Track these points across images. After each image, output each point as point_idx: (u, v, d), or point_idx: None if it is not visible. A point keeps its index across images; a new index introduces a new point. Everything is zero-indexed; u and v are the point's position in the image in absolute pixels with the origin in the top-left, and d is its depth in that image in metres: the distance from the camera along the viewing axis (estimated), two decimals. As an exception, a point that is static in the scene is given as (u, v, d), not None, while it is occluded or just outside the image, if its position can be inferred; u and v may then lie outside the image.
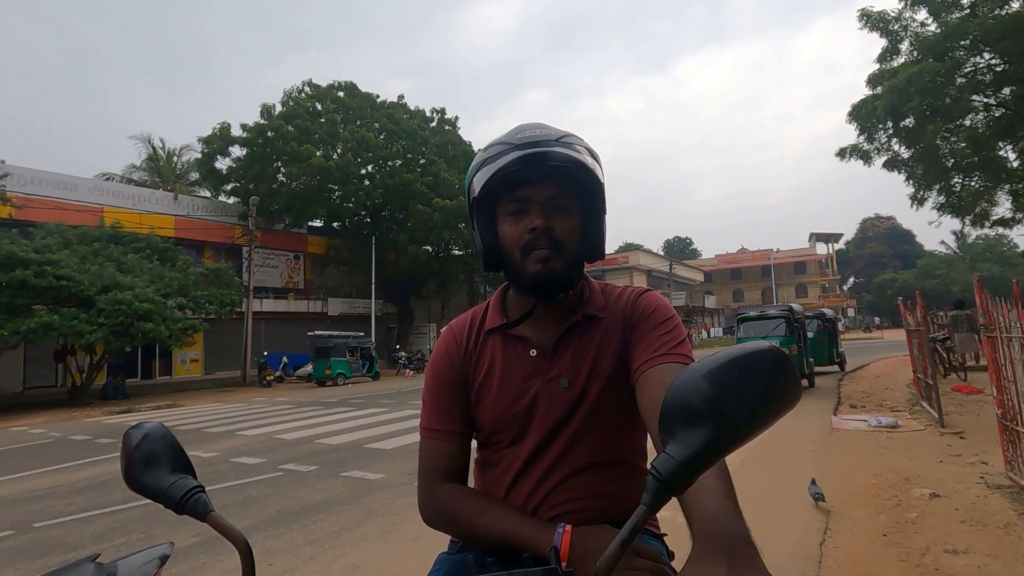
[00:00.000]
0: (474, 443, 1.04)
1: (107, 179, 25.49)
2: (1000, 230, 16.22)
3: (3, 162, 18.42)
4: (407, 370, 22.54)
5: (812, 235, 60.03)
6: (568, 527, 0.81)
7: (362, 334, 21.32)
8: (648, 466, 0.52)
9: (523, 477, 0.94)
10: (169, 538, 3.86)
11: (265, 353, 20.46)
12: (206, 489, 0.72)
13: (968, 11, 11.19)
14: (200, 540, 3.78)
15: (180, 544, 3.70)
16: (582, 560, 0.76)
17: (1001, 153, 13.42)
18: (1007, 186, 14.01)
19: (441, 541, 1.05)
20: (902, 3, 12.02)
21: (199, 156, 24.52)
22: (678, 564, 0.85)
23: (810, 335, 12.69)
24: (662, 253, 60.20)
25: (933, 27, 11.88)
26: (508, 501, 0.95)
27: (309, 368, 19.49)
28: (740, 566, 0.53)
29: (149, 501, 0.74)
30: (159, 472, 0.70)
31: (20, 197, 17.08)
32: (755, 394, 0.48)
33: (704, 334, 44.82)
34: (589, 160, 0.90)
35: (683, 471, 0.49)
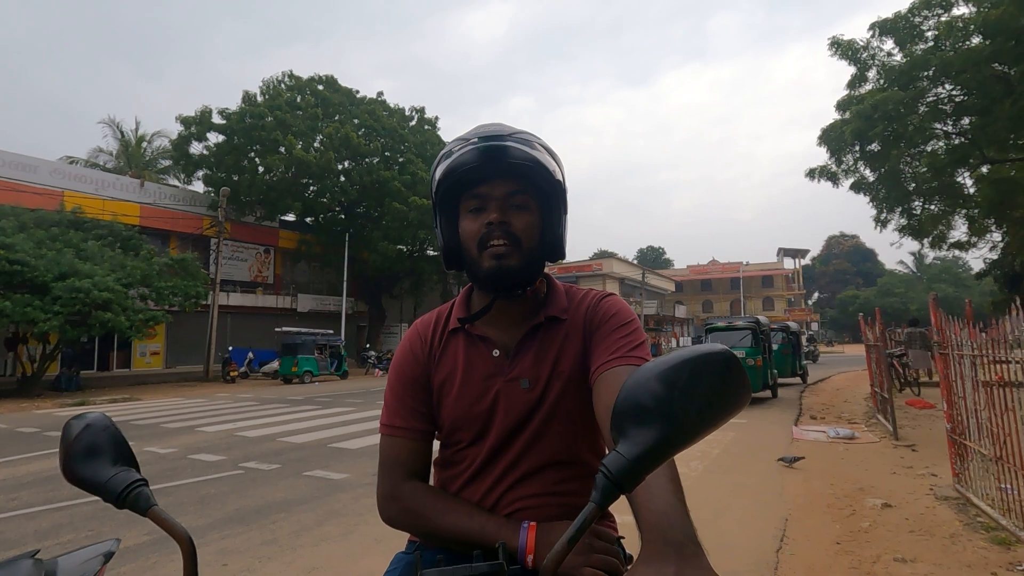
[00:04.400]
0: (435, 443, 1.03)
1: (71, 163, 24.52)
2: (956, 252, 17.00)
3: (-43, 139, 17.55)
4: (376, 369, 22.26)
5: (780, 250, 61.62)
6: (533, 523, 0.83)
7: (331, 332, 20.98)
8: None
9: (481, 475, 0.95)
10: (120, 535, 3.71)
11: (230, 348, 19.92)
12: (158, 485, 0.70)
13: (932, 44, 11.71)
14: (151, 539, 3.65)
15: (130, 542, 3.57)
16: (546, 553, 0.78)
17: (959, 180, 14.05)
18: (963, 211, 14.68)
19: (404, 542, 1.04)
20: (870, 33, 12.51)
21: (173, 139, 23.82)
22: None
23: (775, 347, 13.01)
24: (635, 262, 60.98)
25: (899, 57, 12.40)
26: (463, 498, 0.95)
27: (275, 365, 19.09)
28: (687, 565, 0.54)
29: (98, 497, 0.70)
30: (100, 464, 0.67)
31: (-26, 176, 16.32)
32: (704, 395, 0.49)
33: (674, 343, 45.48)
34: (546, 159, 0.91)
35: (633, 469, 0.49)
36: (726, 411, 0.49)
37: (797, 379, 14.83)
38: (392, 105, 27.02)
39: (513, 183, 0.91)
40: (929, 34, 11.85)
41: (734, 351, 0.55)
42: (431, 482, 1.02)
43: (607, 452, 0.74)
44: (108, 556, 1.03)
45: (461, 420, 0.96)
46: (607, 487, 0.50)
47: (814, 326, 56.50)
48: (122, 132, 27.54)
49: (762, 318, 12.63)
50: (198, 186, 24.25)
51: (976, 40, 11.11)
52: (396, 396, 0.99)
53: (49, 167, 20.16)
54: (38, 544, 3.63)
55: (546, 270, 1.02)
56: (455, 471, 0.98)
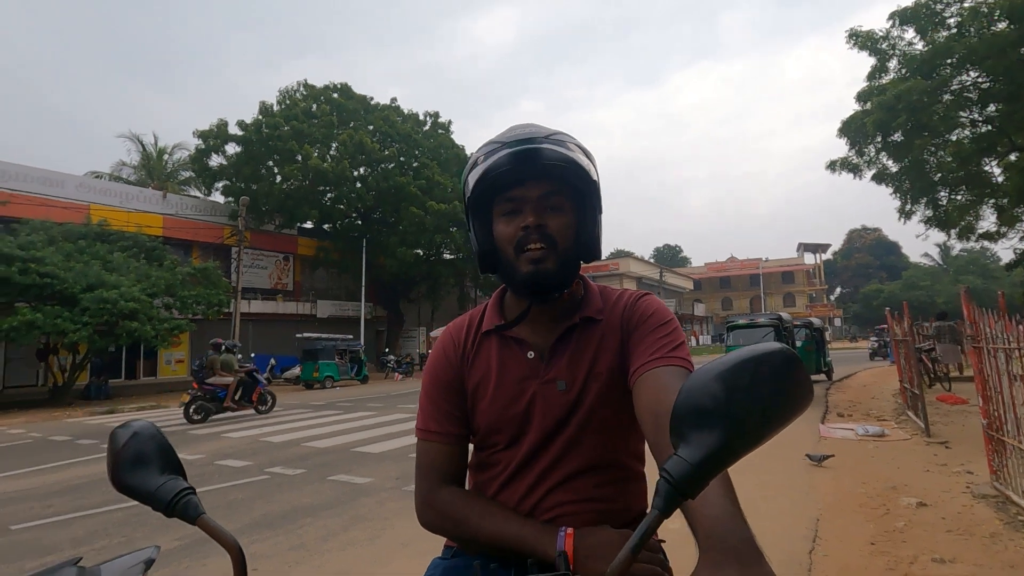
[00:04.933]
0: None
1: (96, 177, 25.16)
2: (984, 243, 16.50)
3: (-12, 157, 18.12)
4: (396, 374, 22.40)
5: (800, 245, 60.66)
6: (570, 529, 0.82)
7: (351, 337, 21.16)
8: (659, 470, 0.50)
9: (517, 479, 0.93)
10: (151, 541, 3.78)
11: (252, 355, 20.19)
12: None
13: (955, 31, 11.42)
14: (182, 544, 3.71)
15: (162, 548, 3.62)
16: (586, 560, 0.77)
17: (986, 168, 13.68)
18: (992, 200, 14.27)
19: (431, 546, 1.03)
20: (890, 22, 12.25)
21: (191, 153, 24.33)
22: (675, 568, 0.84)
23: (798, 344, 12.79)
24: (652, 261, 60.53)
25: (920, 46, 12.11)
26: (499, 502, 0.94)
27: (297, 370, 19.32)
28: (749, 573, 0.52)
29: (130, 503, 0.71)
30: (148, 473, 0.67)
31: (4, 193, 16.79)
32: (768, 396, 0.47)
33: (693, 342, 45.06)
34: (581, 158, 0.90)
35: (696, 474, 0.48)
36: (791, 412, 0.48)
37: (822, 376, 14.56)
38: (406, 111, 27.23)
39: (548, 184, 0.90)
40: (952, 21, 11.56)
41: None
42: (467, 485, 1.02)
43: (655, 454, 0.73)
44: (149, 563, 1.04)
45: (496, 423, 0.95)
46: (670, 493, 0.49)
47: (837, 322, 55.45)
48: (143, 145, 28.20)
49: (784, 315, 12.44)
50: (218, 197, 24.72)
51: (1001, 25, 10.81)
52: (431, 400, 0.98)
53: (75, 181, 20.69)
54: (73, 550, 3.71)
55: None
56: (491, 474, 0.97)
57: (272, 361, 20.96)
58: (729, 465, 0.48)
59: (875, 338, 25.05)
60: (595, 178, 0.92)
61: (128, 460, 0.67)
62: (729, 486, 0.64)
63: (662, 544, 1.00)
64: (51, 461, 6.93)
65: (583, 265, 0.98)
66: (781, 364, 0.48)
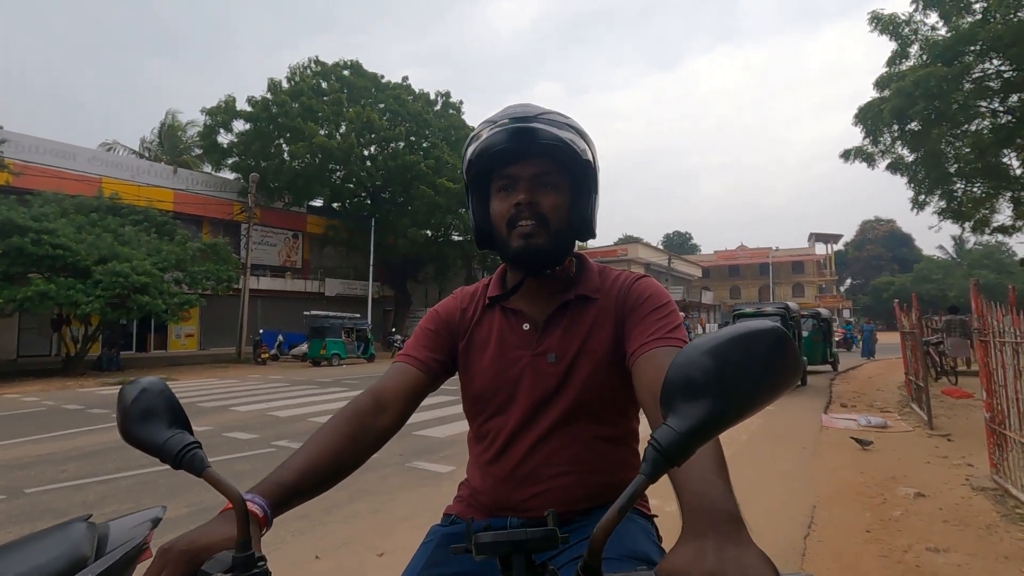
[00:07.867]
0: (466, 427, 1.07)
1: (108, 149, 25.26)
2: (1000, 237, 16.27)
3: (1, 127, 18.20)
4: (402, 353, 22.57)
5: (811, 235, 60.01)
6: None
7: (358, 315, 21.30)
8: (649, 438, 0.52)
9: (511, 449, 0.96)
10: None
11: (261, 331, 20.44)
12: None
13: (979, 16, 11.10)
14: (191, 511, 3.81)
15: (170, 514, 3.72)
16: None
17: (1004, 160, 13.41)
18: (1009, 193, 14.01)
19: (431, 519, 1.07)
20: (913, 6, 11.92)
21: (200, 130, 24.32)
22: (667, 546, 0.87)
23: (805, 334, 12.75)
24: (661, 247, 60.13)
25: (943, 31, 11.79)
26: (494, 472, 0.97)
27: (304, 347, 19.51)
28: (727, 540, 0.53)
29: (140, 471, 0.72)
30: (156, 426, 0.68)
31: (18, 164, 16.92)
32: (756, 371, 0.48)
33: (700, 329, 44.93)
34: (574, 138, 0.92)
35: (682, 443, 0.49)
36: (777, 388, 0.49)
37: (828, 367, 14.53)
38: (417, 90, 27.00)
39: (542, 163, 0.92)
40: (977, 6, 11.24)
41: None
42: (468, 459, 1.06)
43: (642, 433, 0.74)
44: (156, 522, 1.08)
45: (488, 388, 0.99)
46: (656, 459, 0.50)
47: (846, 313, 55.03)
48: (174, 119, 28.22)
49: (792, 304, 12.37)
50: (228, 174, 24.76)
51: (1028, 12, 10.48)
52: (415, 338, 1.05)
53: (88, 154, 20.79)
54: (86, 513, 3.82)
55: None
56: (485, 444, 1.00)
57: (280, 337, 21.19)
58: (714, 436, 0.50)
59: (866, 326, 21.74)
60: (589, 159, 0.94)
61: (137, 414, 0.68)
62: (718, 459, 0.65)
63: (655, 518, 1.02)
64: (64, 428, 7.10)
65: (589, 250, 0.99)
66: (774, 342, 0.49)
